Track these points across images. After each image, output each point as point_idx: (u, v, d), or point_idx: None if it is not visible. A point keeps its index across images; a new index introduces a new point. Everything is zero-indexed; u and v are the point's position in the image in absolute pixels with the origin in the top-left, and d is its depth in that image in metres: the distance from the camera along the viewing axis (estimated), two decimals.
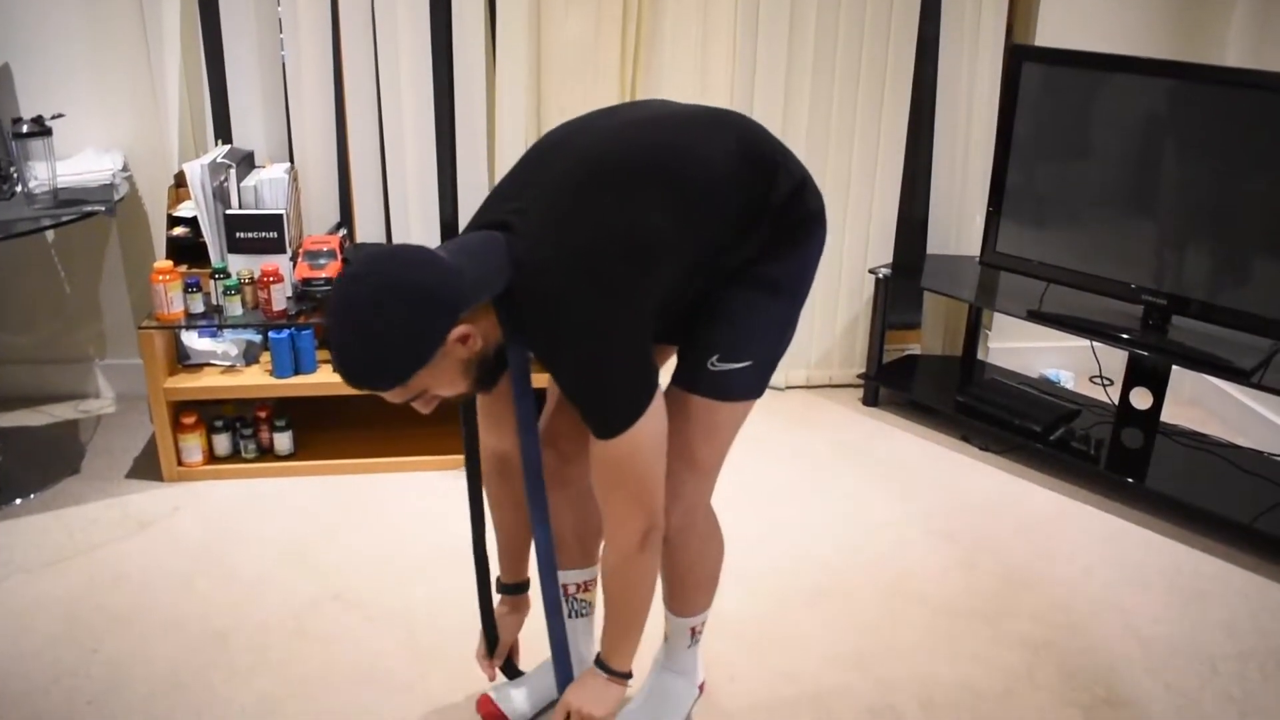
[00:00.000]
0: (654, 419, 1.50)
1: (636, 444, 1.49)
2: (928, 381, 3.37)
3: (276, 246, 2.78)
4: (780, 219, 1.60)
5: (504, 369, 1.56)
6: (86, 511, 2.67)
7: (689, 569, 1.85)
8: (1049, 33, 3.21)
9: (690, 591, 1.88)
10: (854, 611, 2.34)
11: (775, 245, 1.60)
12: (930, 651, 2.21)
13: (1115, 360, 3.54)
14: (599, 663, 1.72)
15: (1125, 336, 2.76)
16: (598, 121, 1.59)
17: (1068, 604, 2.38)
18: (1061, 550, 2.60)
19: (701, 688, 2.06)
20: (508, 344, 1.52)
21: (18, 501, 2.71)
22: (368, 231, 3.21)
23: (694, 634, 1.95)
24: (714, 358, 1.61)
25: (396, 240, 3.21)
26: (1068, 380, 3.51)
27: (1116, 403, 2.99)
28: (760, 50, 3.12)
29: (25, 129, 2.57)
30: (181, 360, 2.88)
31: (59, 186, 2.66)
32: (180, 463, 2.82)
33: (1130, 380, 2.91)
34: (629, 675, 1.72)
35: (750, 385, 1.64)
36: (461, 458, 2.89)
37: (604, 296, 1.42)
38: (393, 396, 1.44)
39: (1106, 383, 3.55)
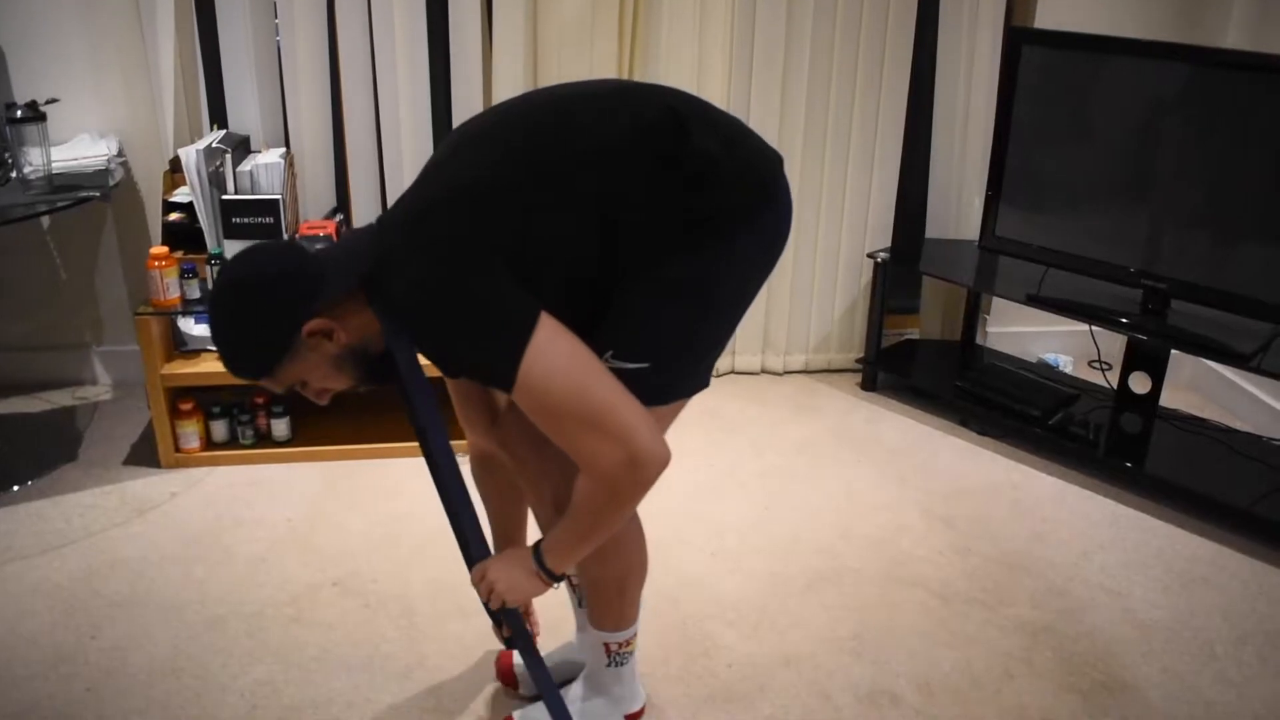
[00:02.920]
0: (551, 340, 1.40)
1: (547, 373, 1.39)
2: (926, 366, 3.36)
3: (272, 231, 2.77)
4: (688, 211, 1.45)
5: (390, 365, 1.54)
6: (84, 498, 2.67)
7: (585, 575, 1.77)
8: (1048, 15, 3.19)
9: (591, 600, 1.79)
10: (851, 596, 2.34)
11: (681, 244, 1.45)
12: (928, 636, 2.21)
13: (1114, 344, 3.53)
14: (536, 549, 1.57)
15: (1124, 321, 2.76)
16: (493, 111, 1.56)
17: (1065, 589, 2.38)
18: (1059, 535, 2.60)
19: (632, 719, 1.93)
20: (390, 338, 1.48)
21: (15, 489, 2.71)
22: (363, 215, 3.20)
23: (609, 654, 1.83)
24: (608, 354, 1.50)
25: None
26: (1066, 365, 3.50)
27: (1115, 387, 2.98)
28: (758, 32, 3.11)
29: (19, 114, 2.55)
30: (179, 346, 2.87)
31: (54, 172, 2.65)
32: (178, 449, 2.82)
33: (1129, 364, 2.91)
34: (560, 579, 1.59)
35: (646, 390, 1.48)
36: (458, 441, 2.89)
37: (440, 250, 1.40)
38: (272, 386, 1.49)
39: (1105, 367, 3.54)
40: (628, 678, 1.89)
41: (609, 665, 1.84)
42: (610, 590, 1.76)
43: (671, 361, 1.53)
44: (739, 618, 2.26)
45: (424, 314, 1.41)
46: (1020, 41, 2.85)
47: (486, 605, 1.69)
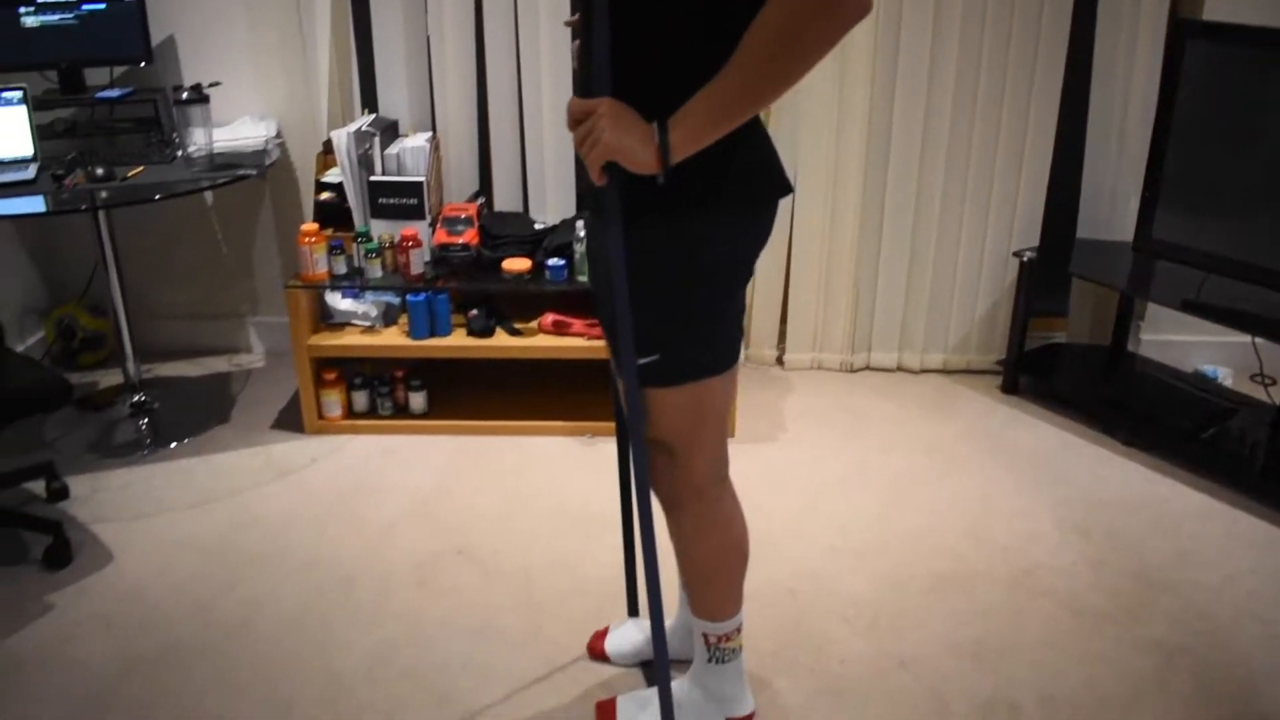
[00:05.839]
0: None
1: None
2: (1072, 371, 3.22)
3: (416, 212, 2.86)
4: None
5: None
6: (232, 459, 2.82)
7: (680, 555, 1.71)
8: (1217, 6, 3.01)
9: (687, 582, 1.73)
10: (976, 601, 2.27)
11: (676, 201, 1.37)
12: (1054, 648, 2.13)
13: (1279, 357, 3.31)
14: (661, 120, 1.32)
15: None
16: None
17: (1208, 611, 2.25)
18: (1205, 554, 2.45)
19: None
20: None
21: (172, 445, 2.88)
22: (505, 200, 3.27)
23: (709, 646, 1.75)
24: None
25: (532, 210, 3.26)
26: (1225, 377, 3.30)
27: (1277, 403, 2.80)
28: (904, 25, 3.03)
29: (185, 96, 2.71)
30: (325, 319, 3.00)
31: (215, 151, 2.80)
32: (321, 416, 2.94)
33: None
34: (667, 172, 1.34)
35: (671, 373, 1.48)
36: (587, 423, 2.93)
37: None
38: None
39: (1268, 381, 3.33)
40: (731, 678, 1.79)
41: (709, 660, 1.77)
42: (706, 572, 1.69)
43: (678, 347, 1.50)
44: (856, 615, 2.22)
45: None
46: (1185, 35, 2.70)
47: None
